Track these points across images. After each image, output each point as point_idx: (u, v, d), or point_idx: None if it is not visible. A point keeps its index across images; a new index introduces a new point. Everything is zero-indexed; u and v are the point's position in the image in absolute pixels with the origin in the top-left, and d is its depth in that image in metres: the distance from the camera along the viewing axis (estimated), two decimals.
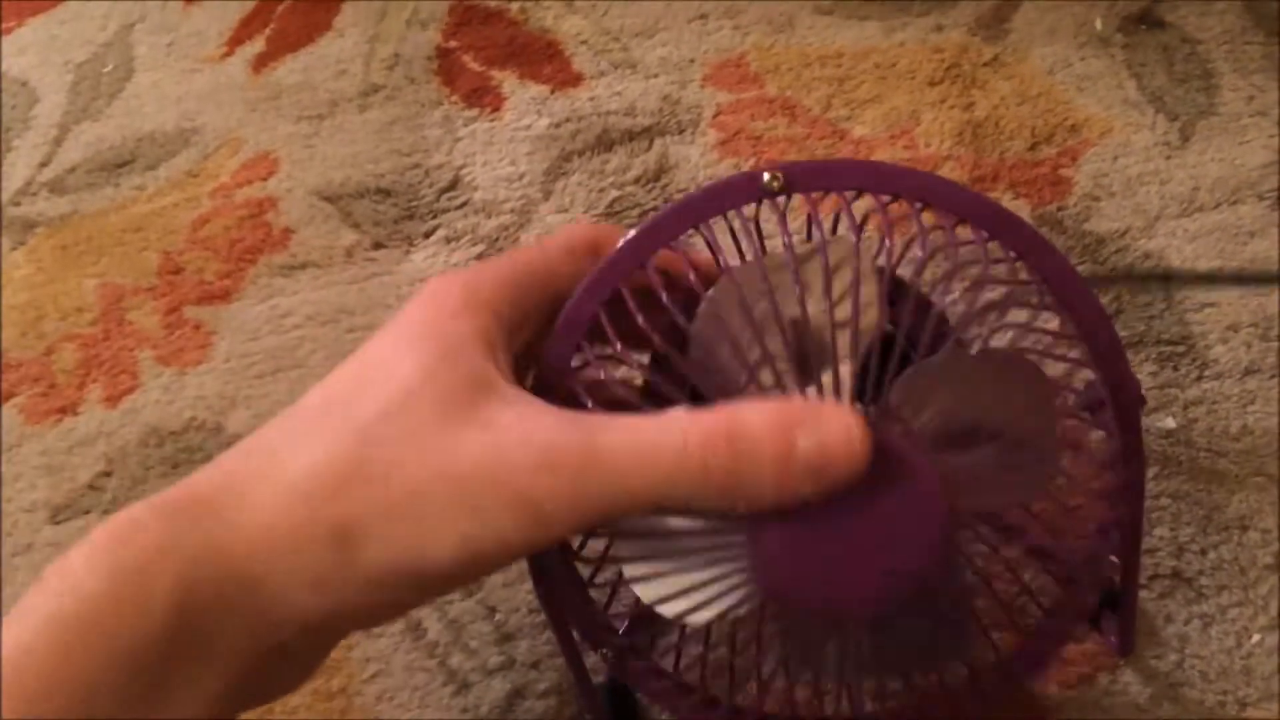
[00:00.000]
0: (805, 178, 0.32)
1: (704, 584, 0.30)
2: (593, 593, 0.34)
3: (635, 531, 0.30)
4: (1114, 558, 0.32)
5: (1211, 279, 0.48)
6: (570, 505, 0.26)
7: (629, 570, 0.30)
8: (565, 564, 0.33)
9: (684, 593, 0.30)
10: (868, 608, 0.29)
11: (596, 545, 0.35)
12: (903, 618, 0.30)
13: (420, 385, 0.27)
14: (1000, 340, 0.31)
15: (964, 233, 0.32)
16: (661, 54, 0.60)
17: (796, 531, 0.28)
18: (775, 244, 0.32)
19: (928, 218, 0.32)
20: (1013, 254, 0.32)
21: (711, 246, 0.33)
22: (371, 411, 0.27)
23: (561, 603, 0.33)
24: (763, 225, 0.33)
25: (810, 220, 0.33)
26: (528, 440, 0.26)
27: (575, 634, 0.34)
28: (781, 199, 0.32)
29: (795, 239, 0.31)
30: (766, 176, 0.31)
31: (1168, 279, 0.48)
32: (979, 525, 0.31)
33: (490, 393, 0.27)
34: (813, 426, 0.27)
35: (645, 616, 0.35)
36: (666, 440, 0.26)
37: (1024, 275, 0.32)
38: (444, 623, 0.44)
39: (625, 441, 0.27)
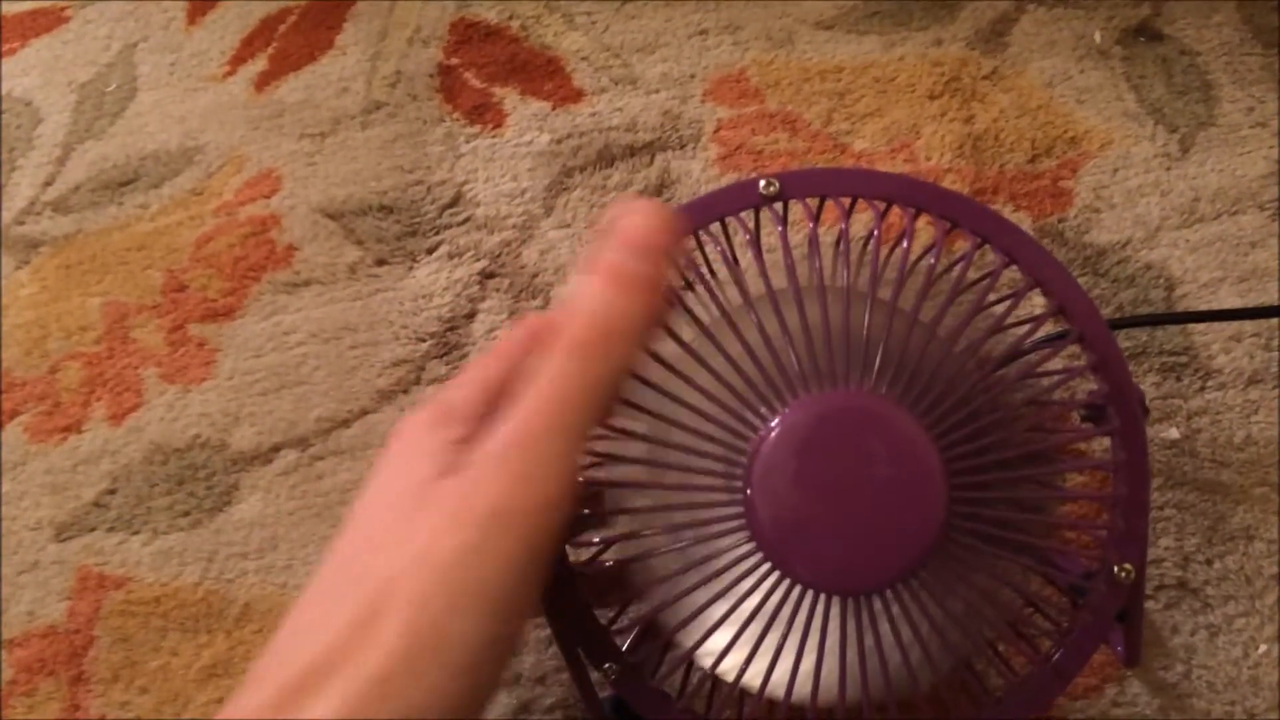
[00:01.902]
0: (800, 184, 0.33)
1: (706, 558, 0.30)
2: (598, 610, 0.34)
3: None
4: (1129, 565, 0.32)
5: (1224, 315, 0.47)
6: (527, 493, 0.27)
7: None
8: (570, 580, 0.33)
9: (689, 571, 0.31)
10: (867, 581, 0.30)
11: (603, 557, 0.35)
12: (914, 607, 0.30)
13: (391, 503, 0.29)
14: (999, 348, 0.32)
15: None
16: (662, 70, 0.60)
17: (797, 492, 0.29)
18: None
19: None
20: (1005, 258, 0.33)
21: (706, 258, 0.33)
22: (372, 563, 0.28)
23: (567, 619, 0.33)
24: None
25: (811, 238, 0.33)
26: (468, 494, 0.27)
27: (580, 650, 0.34)
28: (779, 206, 0.33)
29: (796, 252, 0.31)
30: (763, 183, 0.33)
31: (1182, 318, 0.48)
32: (981, 530, 0.31)
33: (438, 476, 0.28)
34: (615, 232, 0.29)
35: (650, 634, 0.35)
36: (550, 373, 0.28)
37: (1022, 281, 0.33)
38: None
39: (530, 411, 0.28)
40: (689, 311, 0.32)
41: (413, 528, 0.27)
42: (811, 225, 0.34)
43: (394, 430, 0.30)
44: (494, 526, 0.26)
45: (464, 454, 0.28)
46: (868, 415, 0.30)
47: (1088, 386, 0.34)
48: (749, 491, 0.30)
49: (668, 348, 0.33)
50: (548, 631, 0.43)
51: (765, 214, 0.35)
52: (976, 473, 0.30)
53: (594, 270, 0.29)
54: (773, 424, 0.30)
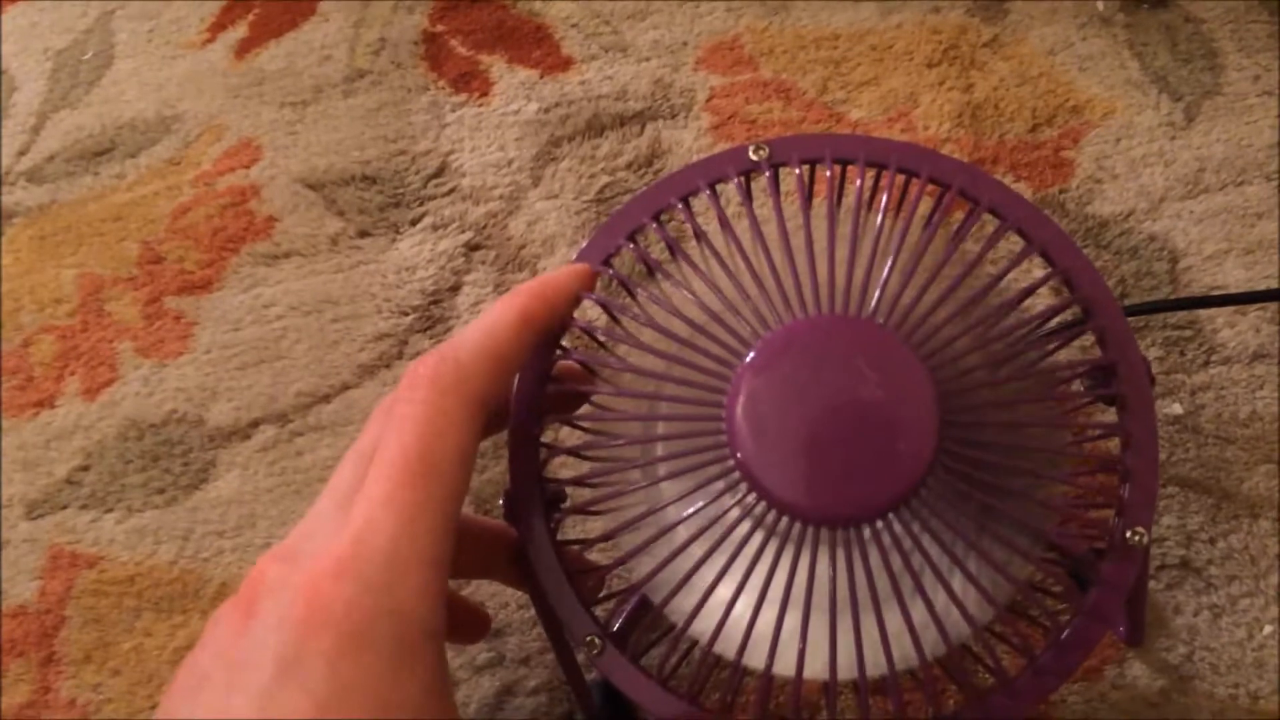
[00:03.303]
0: (790, 149, 0.33)
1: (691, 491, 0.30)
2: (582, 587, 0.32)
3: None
4: (1141, 528, 0.30)
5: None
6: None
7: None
8: (556, 557, 0.32)
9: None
10: (859, 509, 0.28)
11: (589, 539, 0.34)
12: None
13: None
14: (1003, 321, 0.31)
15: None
16: (653, 37, 0.59)
17: (780, 414, 0.29)
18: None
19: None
20: (1006, 223, 0.32)
21: (696, 228, 0.33)
22: None
23: (552, 598, 0.32)
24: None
25: (799, 195, 0.32)
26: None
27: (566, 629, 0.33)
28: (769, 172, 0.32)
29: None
30: (752, 148, 0.33)
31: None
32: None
33: None
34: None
35: (639, 615, 0.33)
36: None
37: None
38: None
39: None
40: (683, 256, 0.32)
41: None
42: (798, 174, 0.33)
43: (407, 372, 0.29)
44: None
45: None
46: (854, 336, 0.29)
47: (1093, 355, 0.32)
48: (734, 437, 0.29)
49: (653, 287, 0.32)
50: (532, 612, 0.42)
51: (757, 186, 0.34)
52: (967, 393, 0.29)
53: None
54: (756, 345, 0.29)
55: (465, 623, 0.38)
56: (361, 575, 0.25)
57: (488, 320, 0.30)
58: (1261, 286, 0.47)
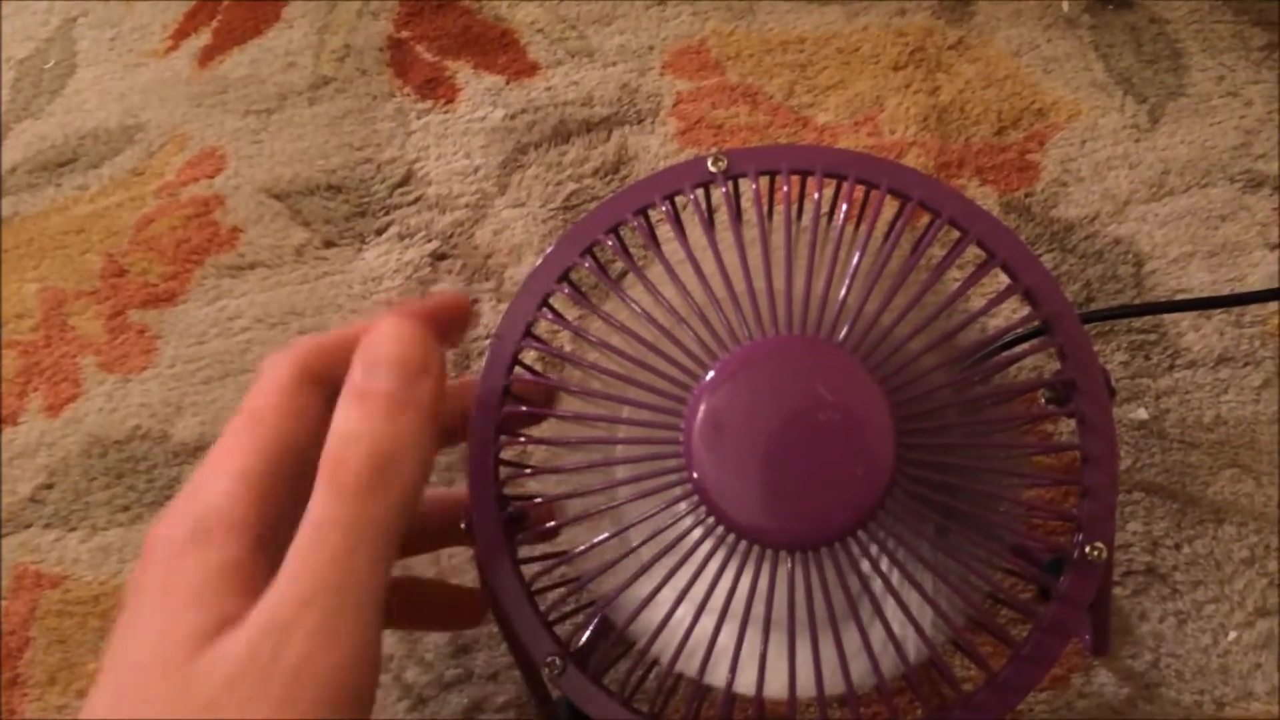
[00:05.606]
0: (748, 161, 0.33)
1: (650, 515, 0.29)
2: (543, 606, 0.32)
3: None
4: (1100, 543, 0.30)
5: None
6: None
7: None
8: (516, 577, 0.32)
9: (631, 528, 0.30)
10: (815, 532, 0.28)
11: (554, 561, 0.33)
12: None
13: None
14: (962, 338, 0.31)
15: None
16: (619, 41, 0.58)
17: (737, 439, 0.28)
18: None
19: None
20: (963, 233, 0.32)
21: (653, 245, 0.32)
22: None
23: (512, 618, 0.32)
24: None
25: (757, 208, 0.32)
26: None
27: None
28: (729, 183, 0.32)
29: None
30: (710, 160, 0.33)
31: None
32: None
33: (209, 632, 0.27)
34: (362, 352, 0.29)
35: (602, 633, 0.33)
36: (320, 523, 0.27)
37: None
38: (398, 636, 0.42)
39: (302, 571, 0.26)
40: (639, 274, 0.31)
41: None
42: (754, 187, 0.33)
43: (145, 545, 0.27)
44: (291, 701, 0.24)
45: (235, 596, 0.25)
46: (811, 357, 0.29)
47: (1051, 367, 0.32)
48: (692, 458, 0.29)
49: (612, 303, 0.32)
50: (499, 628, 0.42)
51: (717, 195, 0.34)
52: (926, 414, 0.29)
53: (353, 399, 0.28)
54: (713, 366, 0.29)
55: (458, 604, 0.39)
56: (181, 503, 0.27)
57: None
58: (1226, 290, 0.47)
